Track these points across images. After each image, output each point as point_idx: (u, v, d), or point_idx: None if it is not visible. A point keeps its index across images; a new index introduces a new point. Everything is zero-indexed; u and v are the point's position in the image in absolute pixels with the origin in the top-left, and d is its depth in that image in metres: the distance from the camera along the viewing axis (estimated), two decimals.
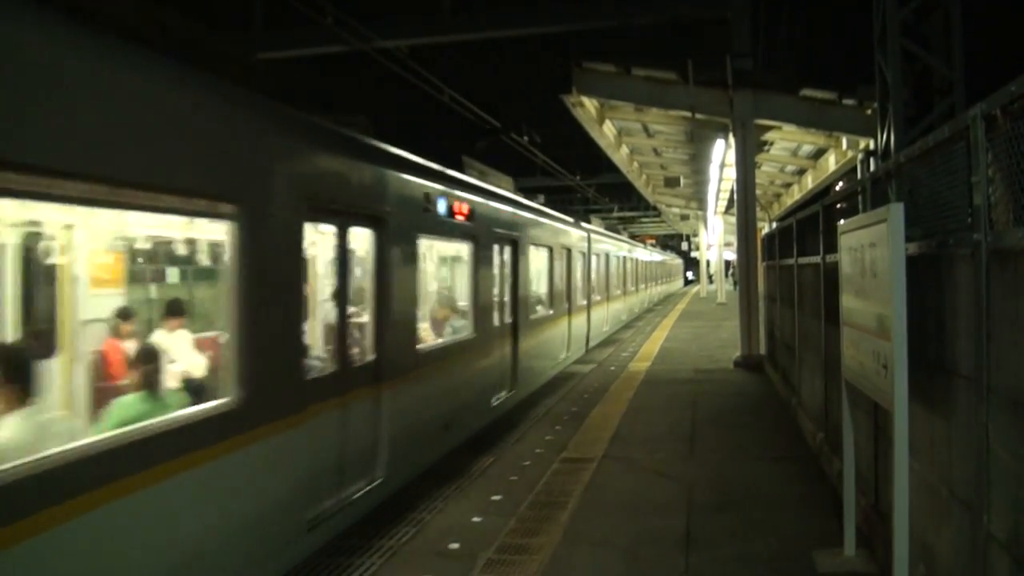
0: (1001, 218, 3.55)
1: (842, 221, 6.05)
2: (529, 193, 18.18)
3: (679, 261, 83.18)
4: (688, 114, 18.17)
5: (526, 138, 23.62)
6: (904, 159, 5.14)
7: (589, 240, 20.80)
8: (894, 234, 4.16)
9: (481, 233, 10.80)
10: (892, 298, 4.14)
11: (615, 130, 24.13)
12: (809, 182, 26.75)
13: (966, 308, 3.85)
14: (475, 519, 6.91)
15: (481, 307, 10.84)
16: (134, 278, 6.89)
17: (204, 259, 6.86)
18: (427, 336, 9.56)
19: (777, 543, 6.16)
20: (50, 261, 5.81)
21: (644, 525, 6.66)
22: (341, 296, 6.97)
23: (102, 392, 5.86)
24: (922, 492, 4.48)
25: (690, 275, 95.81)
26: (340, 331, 6.94)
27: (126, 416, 4.79)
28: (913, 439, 4.24)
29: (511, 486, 7.87)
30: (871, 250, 4.62)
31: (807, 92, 16.25)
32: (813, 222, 8.77)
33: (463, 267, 11.04)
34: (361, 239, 7.37)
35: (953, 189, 4.16)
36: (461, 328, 10.58)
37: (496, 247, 11.68)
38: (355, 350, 7.21)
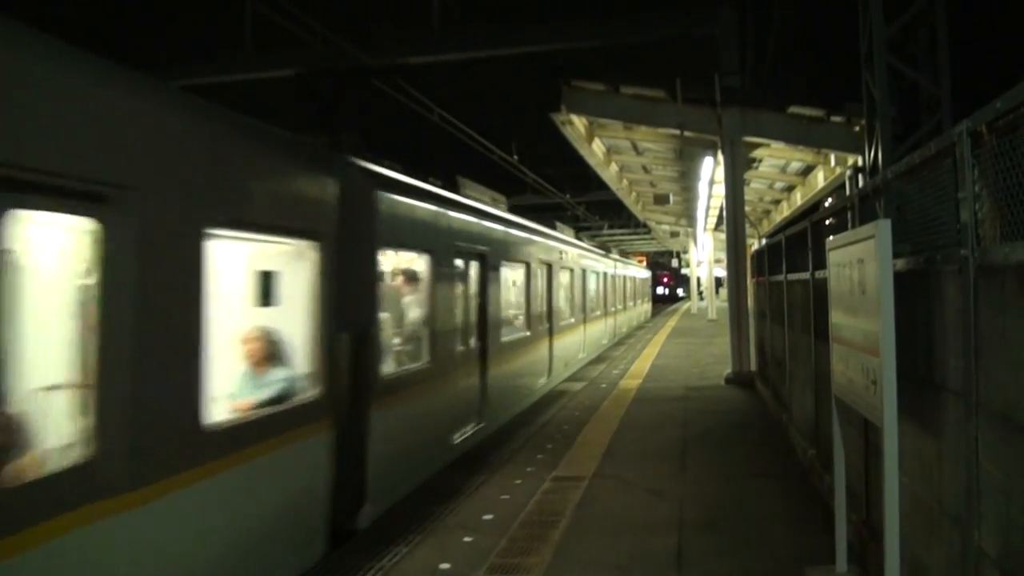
0: (988, 234, 3.56)
1: (831, 238, 6.07)
2: (522, 211, 18.14)
3: (645, 275, 52.74)
4: (677, 132, 18.27)
5: (515, 156, 23.69)
6: (891, 176, 5.17)
7: None
8: (882, 250, 4.17)
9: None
10: (880, 314, 4.14)
11: (604, 148, 24.22)
12: (798, 199, 26.88)
13: (954, 324, 3.86)
14: (466, 539, 6.87)
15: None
16: None
17: None
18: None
19: (769, 560, 6.14)
20: None
21: (636, 544, 6.63)
22: None
23: None
24: (913, 508, 4.47)
25: (680, 292, 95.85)
26: None
27: None
28: (903, 454, 4.24)
29: (502, 505, 7.83)
30: (859, 266, 4.63)
31: (795, 109, 16.37)
32: (801, 239, 8.80)
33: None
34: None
35: (941, 205, 4.17)
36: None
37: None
38: None
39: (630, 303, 37.90)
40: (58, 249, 4.39)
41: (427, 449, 9.13)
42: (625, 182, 31.26)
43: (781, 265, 10.82)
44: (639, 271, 47.44)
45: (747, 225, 19.65)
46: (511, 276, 14.40)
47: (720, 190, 20.48)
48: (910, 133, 10.36)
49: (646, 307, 50.09)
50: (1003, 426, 3.29)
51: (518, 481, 8.74)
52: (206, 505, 4.98)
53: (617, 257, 33.71)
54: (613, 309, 29.62)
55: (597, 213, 51.35)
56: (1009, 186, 3.23)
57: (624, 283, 34.90)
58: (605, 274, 27.78)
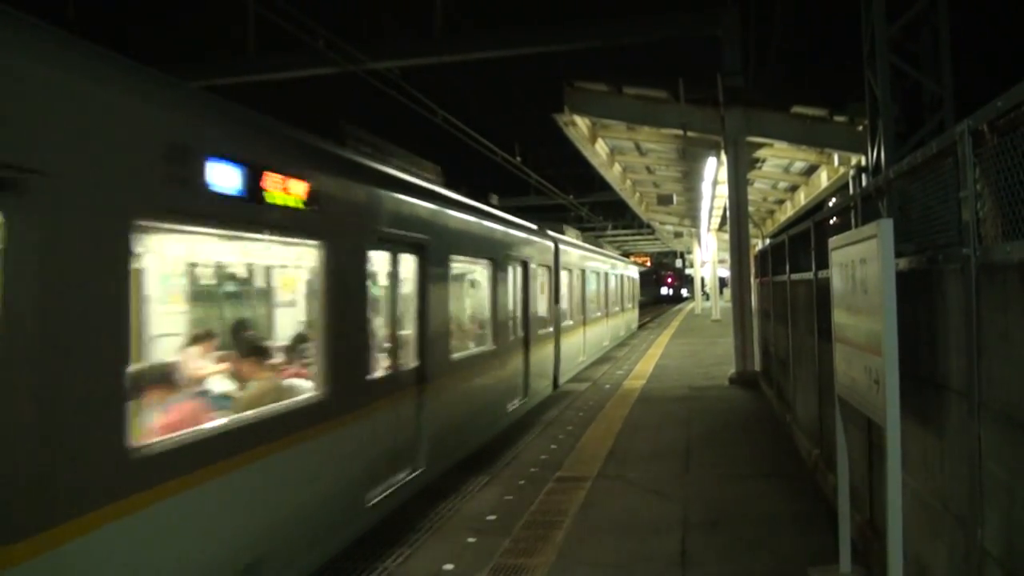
0: (990, 233, 3.56)
1: (833, 237, 6.06)
2: (524, 212, 18.12)
3: (629, 272, 36.51)
4: (680, 132, 18.25)
5: (518, 157, 23.70)
6: (893, 175, 5.16)
7: None
8: (884, 250, 4.17)
9: None
10: (883, 313, 4.14)
11: (607, 148, 24.22)
12: (802, 198, 26.85)
13: (956, 323, 3.86)
14: (470, 540, 6.87)
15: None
16: None
17: None
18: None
19: (772, 561, 6.14)
20: None
21: (639, 544, 6.63)
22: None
23: None
24: (916, 507, 4.47)
25: (685, 292, 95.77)
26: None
27: None
28: (906, 454, 4.24)
29: (506, 505, 7.84)
30: (862, 266, 4.63)
31: (798, 109, 16.35)
32: (805, 238, 8.80)
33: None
34: None
35: (943, 204, 4.18)
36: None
37: None
38: None
39: (596, 314, 24.26)
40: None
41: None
42: (629, 183, 31.24)
43: (784, 265, 10.81)
44: (621, 266, 32.70)
45: (751, 225, 19.65)
46: None
47: (723, 190, 20.45)
48: (913, 132, 10.34)
49: (629, 317, 35.11)
50: (1006, 425, 3.29)
51: (522, 481, 8.75)
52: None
53: (572, 241, 21.25)
54: (545, 330, 16.18)
55: (601, 214, 51.45)
56: (1010, 185, 3.23)
57: (582, 284, 21.56)
58: (525, 268, 14.22)
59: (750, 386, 15.63)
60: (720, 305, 43.34)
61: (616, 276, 30.46)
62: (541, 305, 16.15)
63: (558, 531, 6.96)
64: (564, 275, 18.62)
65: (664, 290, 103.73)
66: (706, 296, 53.78)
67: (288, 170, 6.00)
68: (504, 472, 9.28)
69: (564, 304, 18.60)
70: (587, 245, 24.82)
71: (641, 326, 40.04)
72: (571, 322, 19.47)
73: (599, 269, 25.57)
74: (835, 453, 5.68)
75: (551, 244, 17.20)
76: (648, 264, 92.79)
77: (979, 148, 3.55)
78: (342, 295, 6.88)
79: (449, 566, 6.25)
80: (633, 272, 39.12)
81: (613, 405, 13.81)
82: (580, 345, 20.90)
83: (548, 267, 16.85)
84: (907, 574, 4.17)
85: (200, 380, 6.19)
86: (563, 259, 18.35)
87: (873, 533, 5.58)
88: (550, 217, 27.31)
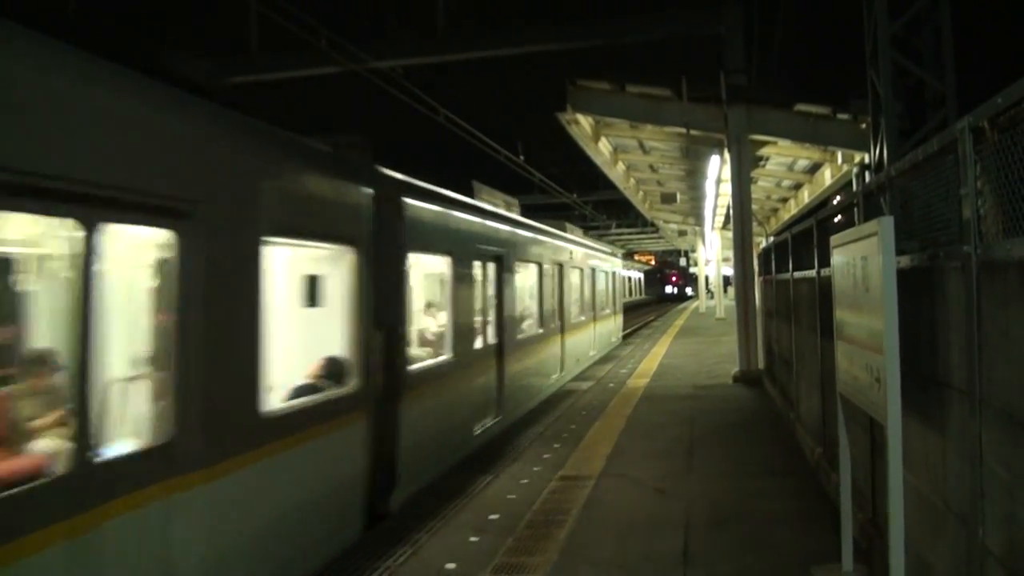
0: (991, 230, 3.54)
1: (835, 235, 6.04)
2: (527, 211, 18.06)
3: (612, 263, 28.38)
4: (683, 130, 18.23)
5: (522, 156, 23.70)
6: (895, 172, 5.15)
7: None
8: (885, 247, 4.16)
9: None
10: (884, 311, 4.13)
11: (611, 147, 24.19)
12: (806, 196, 26.79)
13: (958, 320, 3.84)
14: (472, 539, 6.87)
15: None
16: None
17: None
18: None
19: (775, 559, 6.13)
20: None
21: (642, 543, 6.63)
22: None
23: None
24: (918, 506, 4.46)
25: (689, 291, 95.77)
26: None
27: None
28: (908, 452, 4.23)
29: (509, 505, 7.84)
30: (863, 264, 4.61)
31: (801, 107, 16.32)
32: (807, 236, 8.78)
33: None
34: None
35: (944, 202, 4.16)
36: None
37: None
38: None
39: (536, 331, 15.52)
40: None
41: None
42: (632, 181, 31.21)
43: (788, 263, 10.79)
44: (590, 255, 23.14)
45: (754, 223, 19.61)
46: None
47: (727, 188, 20.44)
48: (916, 129, 10.33)
49: (605, 328, 25.42)
50: (1007, 423, 3.27)
51: (525, 480, 8.74)
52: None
53: (459, 200, 11.33)
54: (335, 405, 7.01)
55: (605, 212, 51.46)
56: (1011, 182, 3.21)
57: (494, 284, 12.46)
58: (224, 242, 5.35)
59: (754, 384, 15.62)
60: (724, 303, 43.29)
61: (582, 271, 21.44)
62: (325, 334, 7.53)
63: (561, 530, 6.96)
64: (437, 266, 10.63)
65: (669, 288, 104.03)
66: (710, 294, 53.75)
67: None
68: (507, 471, 9.28)
69: (434, 324, 10.97)
70: (516, 216, 15.16)
71: (644, 324, 40.28)
72: (452, 357, 10.28)
73: (542, 257, 16.09)
74: (838, 451, 5.67)
75: (368, 192, 7.82)
76: (653, 263, 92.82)
77: (980, 145, 3.54)
78: None
79: (451, 565, 6.25)
80: (614, 264, 29.35)
81: (617, 403, 13.80)
82: (489, 395, 11.97)
83: (354, 248, 7.46)
84: (909, 573, 4.15)
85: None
86: (417, 235, 9.13)
87: (875, 531, 5.56)
88: (555, 216, 26.46)
